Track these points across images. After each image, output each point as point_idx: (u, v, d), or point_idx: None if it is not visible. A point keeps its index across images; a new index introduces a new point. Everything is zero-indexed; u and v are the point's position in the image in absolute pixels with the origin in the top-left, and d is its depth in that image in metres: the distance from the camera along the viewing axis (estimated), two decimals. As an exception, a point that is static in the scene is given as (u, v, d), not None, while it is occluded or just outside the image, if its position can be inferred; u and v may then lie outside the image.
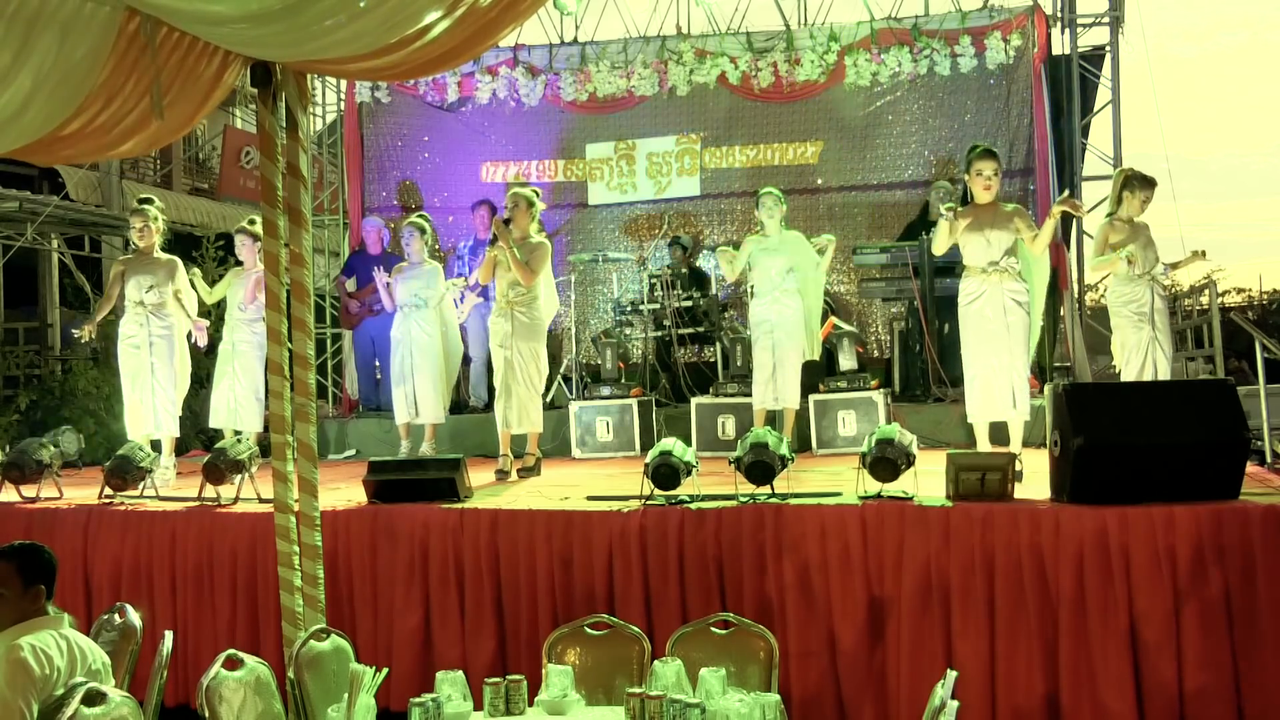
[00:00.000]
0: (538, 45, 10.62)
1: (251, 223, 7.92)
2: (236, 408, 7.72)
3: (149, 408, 7.26)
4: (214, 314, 8.41)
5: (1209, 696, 4.38)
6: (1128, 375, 6.31)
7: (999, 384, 5.93)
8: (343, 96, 11.08)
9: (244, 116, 18.02)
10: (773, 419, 7.36)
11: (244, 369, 7.71)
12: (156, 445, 7.27)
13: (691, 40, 10.35)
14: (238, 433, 7.63)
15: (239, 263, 7.98)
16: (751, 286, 7.37)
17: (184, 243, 12.72)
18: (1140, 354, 6.33)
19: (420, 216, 8.13)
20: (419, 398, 7.74)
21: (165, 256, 7.45)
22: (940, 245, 6.18)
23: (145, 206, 7.48)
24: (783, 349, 7.14)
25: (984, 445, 6.01)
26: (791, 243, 7.21)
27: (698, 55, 10.27)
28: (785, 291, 7.15)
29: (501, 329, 6.82)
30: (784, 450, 5.26)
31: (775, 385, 7.16)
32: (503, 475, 6.79)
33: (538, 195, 7.01)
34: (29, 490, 6.36)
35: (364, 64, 4.16)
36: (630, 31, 10.60)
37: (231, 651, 3.60)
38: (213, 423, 7.96)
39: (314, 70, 5.12)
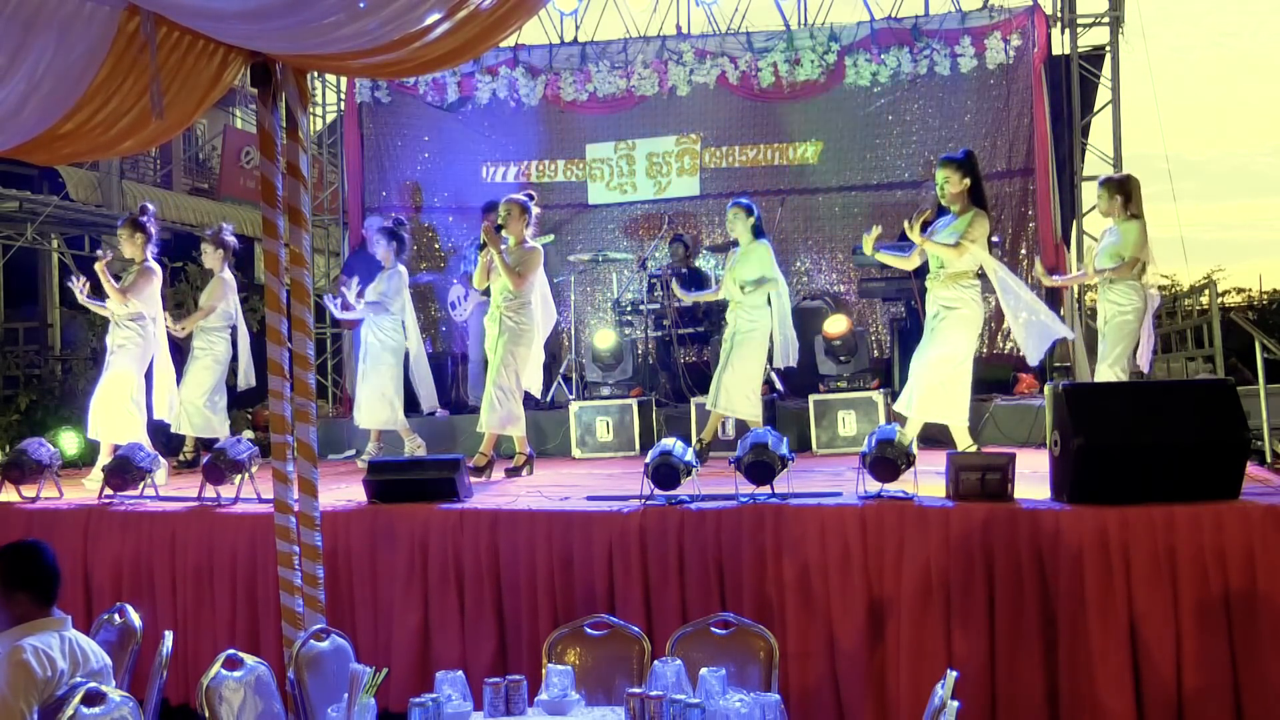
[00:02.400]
0: (538, 45, 10.63)
1: (219, 230, 7.97)
2: (181, 412, 7.80)
3: (96, 412, 7.30)
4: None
5: (1208, 696, 4.37)
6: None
7: (909, 386, 6.28)
8: (343, 96, 11.09)
9: (244, 116, 18.02)
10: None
11: (189, 374, 7.80)
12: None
13: (691, 40, 10.36)
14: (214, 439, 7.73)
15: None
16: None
17: (184, 242, 12.76)
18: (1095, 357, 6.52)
19: (395, 223, 8.15)
20: (362, 401, 7.78)
21: (139, 268, 7.42)
22: (906, 264, 6.53)
23: (129, 219, 7.53)
24: (731, 357, 7.16)
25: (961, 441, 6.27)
26: (754, 253, 7.18)
27: (698, 55, 10.29)
28: (741, 304, 7.17)
29: (491, 332, 6.92)
30: (784, 450, 5.27)
31: (714, 390, 7.20)
32: (514, 472, 6.90)
33: (531, 199, 7.03)
34: (29, 490, 6.36)
35: (365, 61, 4.17)
36: (630, 31, 10.61)
37: (231, 651, 3.60)
38: (174, 428, 8.01)
39: (315, 67, 5.13)
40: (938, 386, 6.21)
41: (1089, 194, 9.91)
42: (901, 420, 6.41)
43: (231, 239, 8.00)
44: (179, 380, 7.79)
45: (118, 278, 7.49)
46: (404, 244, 7.96)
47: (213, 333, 7.82)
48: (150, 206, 7.85)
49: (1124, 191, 6.40)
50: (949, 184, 6.24)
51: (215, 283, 7.87)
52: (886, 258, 6.52)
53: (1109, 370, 6.35)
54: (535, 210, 7.03)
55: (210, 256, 7.91)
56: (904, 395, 6.37)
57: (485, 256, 6.91)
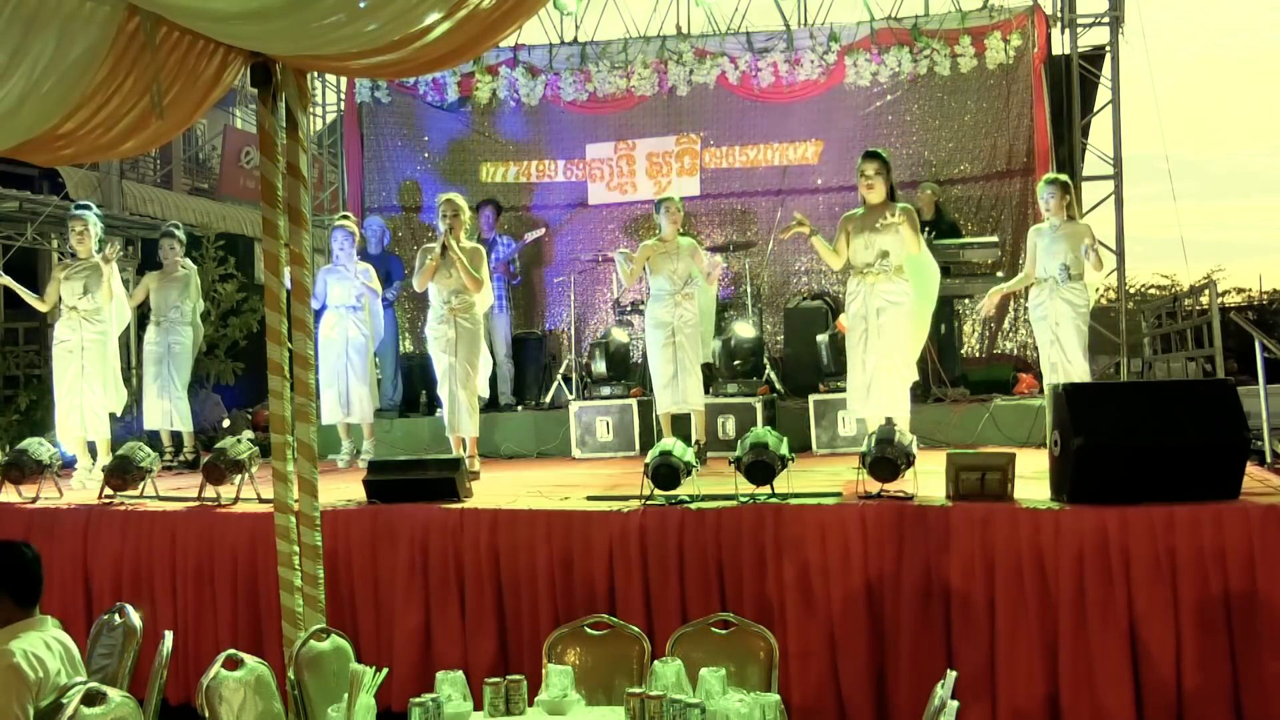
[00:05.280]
0: (538, 45, 10.63)
1: (168, 235, 8.06)
2: (171, 409, 7.89)
3: (78, 411, 7.30)
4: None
5: (1208, 697, 4.37)
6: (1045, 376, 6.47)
7: (867, 383, 6.21)
8: (343, 96, 11.10)
9: (244, 116, 18.02)
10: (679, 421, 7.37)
11: (177, 370, 7.86)
12: (93, 448, 7.39)
13: (691, 40, 10.36)
14: (176, 434, 7.95)
15: (159, 265, 8.11)
16: (648, 290, 7.38)
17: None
18: (1045, 356, 6.47)
19: (344, 218, 8.18)
20: (352, 398, 7.81)
21: (93, 260, 7.46)
22: (834, 260, 6.35)
23: (82, 213, 7.57)
24: (684, 352, 7.14)
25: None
26: (688, 249, 7.24)
27: (698, 55, 10.29)
28: (685, 295, 7.16)
29: (445, 335, 6.88)
30: (784, 450, 5.27)
31: (679, 389, 7.16)
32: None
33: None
34: (29, 490, 6.36)
35: (365, 61, 4.16)
36: (630, 31, 10.62)
37: (231, 651, 3.60)
38: (148, 425, 8.05)
39: (315, 67, 5.13)
40: (894, 383, 6.18)
41: (1089, 194, 9.94)
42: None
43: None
44: (152, 380, 7.93)
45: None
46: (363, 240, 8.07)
47: (187, 325, 7.91)
48: (91, 204, 7.95)
49: (1069, 192, 6.57)
50: (879, 177, 6.18)
51: (194, 277, 8.01)
52: (821, 246, 6.36)
53: (1076, 373, 6.34)
54: (470, 214, 7.16)
55: (171, 252, 7.97)
56: (868, 399, 6.22)
57: (434, 260, 6.86)
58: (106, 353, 7.37)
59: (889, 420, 5.88)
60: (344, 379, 7.81)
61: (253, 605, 5.54)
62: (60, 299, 7.45)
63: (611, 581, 5.10)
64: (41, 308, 7.69)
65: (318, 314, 7.84)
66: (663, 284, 7.19)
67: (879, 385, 6.16)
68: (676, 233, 7.25)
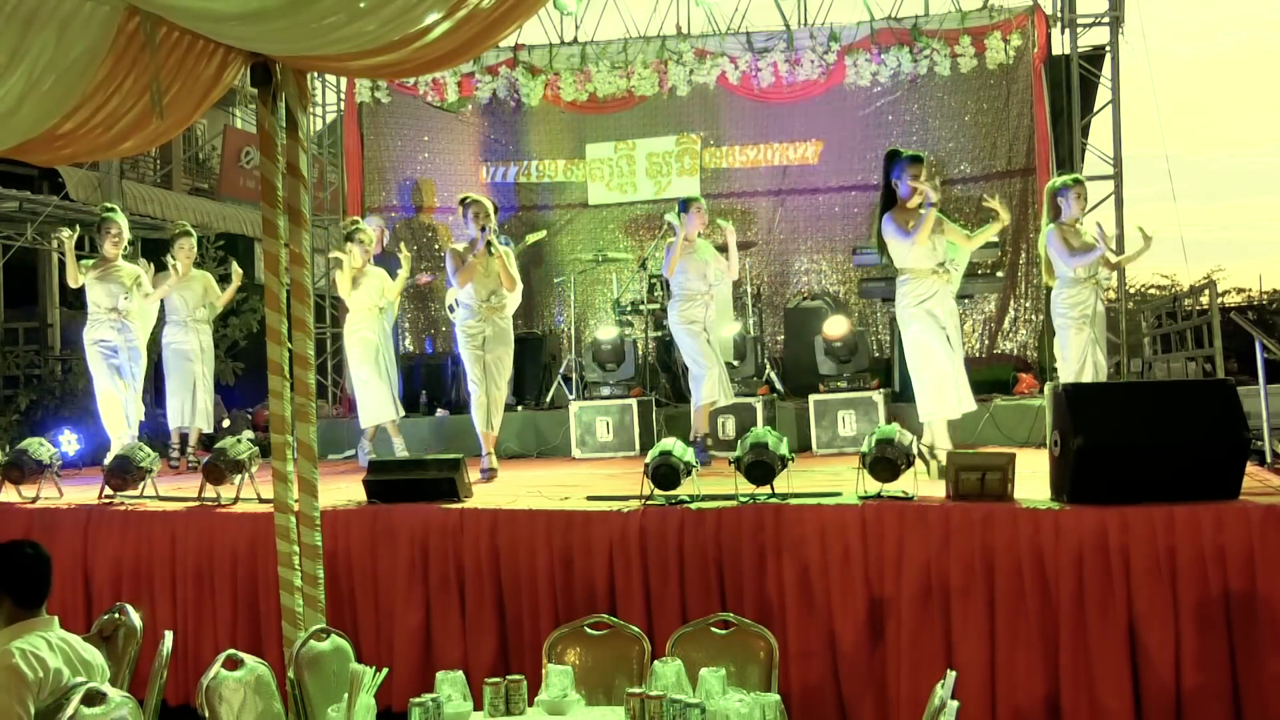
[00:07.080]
0: (538, 45, 10.64)
1: (187, 234, 8.09)
2: (206, 409, 8.02)
3: (124, 410, 7.45)
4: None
5: (1207, 697, 4.37)
6: (1065, 376, 6.38)
7: (951, 383, 6.12)
8: (343, 96, 11.10)
9: (244, 116, 18.02)
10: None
11: (208, 370, 8.02)
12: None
13: (691, 40, 10.37)
14: (183, 434, 8.06)
15: (162, 267, 8.12)
16: (672, 287, 7.31)
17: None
18: (1079, 356, 6.40)
19: (355, 223, 8.22)
20: (394, 395, 7.92)
21: (128, 265, 7.65)
22: (925, 236, 6.11)
23: (118, 216, 7.69)
24: (717, 351, 7.20)
25: (945, 443, 6.10)
26: (709, 249, 7.28)
27: (698, 55, 10.30)
28: (712, 296, 7.23)
29: (482, 333, 6.97)
30: (784, 450, 5.27)
31: (728, 383, 7.24)
32: (489, 474, 6.94)
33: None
34: (29, 490, 6.36)
35: (365, 61, 4.17)
36: (630, 31, 10.63)
37: (231, 651, 3.60)
38: (173, 423, 8.14)
39: (315, 68, 5.13)
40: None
41: (1090, 194, 9.92)
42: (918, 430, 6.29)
43: None
44: (185, 379, 8.00)
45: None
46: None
47: (208, 324, 8.01)
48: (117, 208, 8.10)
49: None
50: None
51: (211, 279, 8.06)
52: (929, 221, 6.08)
53: (1106, 372, 6.37)
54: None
55: (183, 254, 8.00)
56: (961, 399, 6.15)
57: (478, 258, 6.88)
58: (144, 354, 7.60)
59: (892, 423, 5.87)
60: (390, 379, 7.88)
61: (253, 605, 5.54)
62: (87, 299, 7.57)
63: (611, 581, 5.10)
64: (73, 284, 7.74)
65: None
66: (696, 284, 7.17)
67: (962, 386, 6.16)
68: (697, 233, 7.25)
